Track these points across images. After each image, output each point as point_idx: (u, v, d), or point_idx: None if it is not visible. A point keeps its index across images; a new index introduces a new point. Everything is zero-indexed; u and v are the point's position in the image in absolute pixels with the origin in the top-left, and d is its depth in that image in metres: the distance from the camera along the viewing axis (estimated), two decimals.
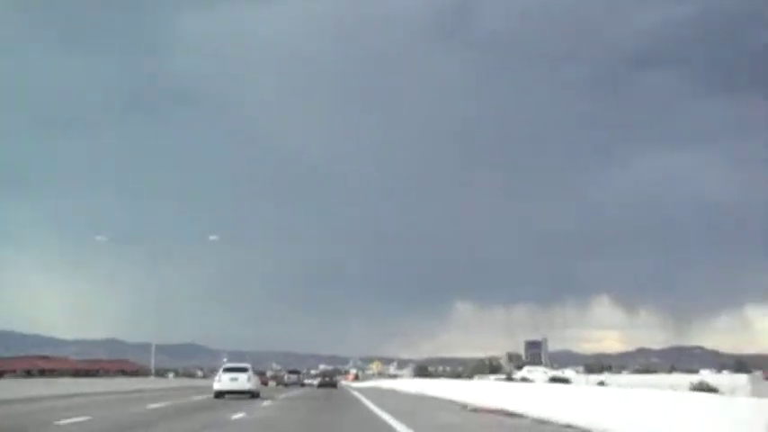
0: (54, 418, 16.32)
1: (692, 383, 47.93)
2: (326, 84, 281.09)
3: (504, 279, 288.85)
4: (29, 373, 74.46)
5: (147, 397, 30.30)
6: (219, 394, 28.67)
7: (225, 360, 64.23)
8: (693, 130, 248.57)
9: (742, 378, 58.90)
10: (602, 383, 56.85)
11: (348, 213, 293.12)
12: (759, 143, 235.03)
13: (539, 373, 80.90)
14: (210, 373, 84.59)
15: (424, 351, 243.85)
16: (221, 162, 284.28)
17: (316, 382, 64.85)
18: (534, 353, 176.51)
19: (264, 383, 54.01)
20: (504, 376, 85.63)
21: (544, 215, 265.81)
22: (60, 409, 20.48)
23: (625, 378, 76.06)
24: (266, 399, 29.09)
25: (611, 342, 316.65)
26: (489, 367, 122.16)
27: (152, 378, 63.36)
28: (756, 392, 43.31)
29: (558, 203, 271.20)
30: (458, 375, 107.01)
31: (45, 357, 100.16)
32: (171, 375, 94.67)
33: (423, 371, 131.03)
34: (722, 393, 31.45)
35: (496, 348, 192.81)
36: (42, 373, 76.60)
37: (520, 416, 16.96)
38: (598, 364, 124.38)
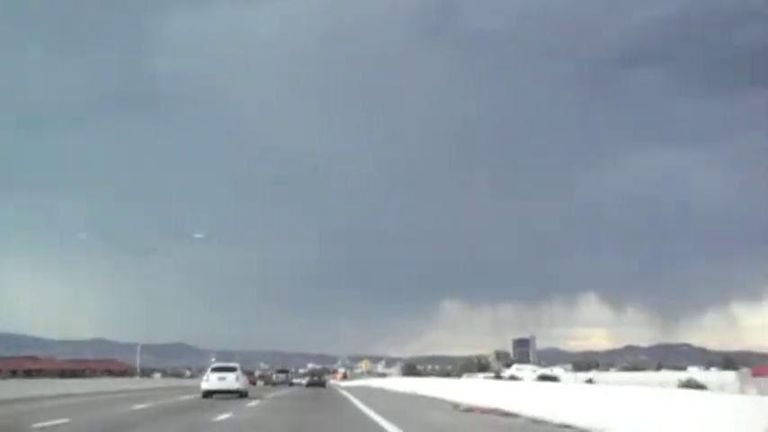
0: (33, 420, 15.81)
1: (680, 381, 48.20)
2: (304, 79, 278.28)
3: (492, 278, 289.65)
4: (14, 374, 73.65)
5: (133, 397, 29.74)
6: (208, 394, 28.54)
7: (213, 360, 63.80)
8: (680, 130, 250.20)
9: (730, 375, 59.32)
10: (590, 381, 57.00)
11: (337, 214, 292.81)
12: (745, 143, 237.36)
13: (527, 372, 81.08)
14: (199, 372, 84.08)
15: (413, 350, 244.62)
16: (210, 161, 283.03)
17: (304, 381, 64.63)
18: (522, 351, 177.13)
19: (253, 383, 53.66)
20: (492, 374, 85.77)
21: (532, 214, 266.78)
22: (40, 411, 19.92)
23: (613, 376, 76.29)
24: (254, 398, 28.74)
25: (598, 340, 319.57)
26: (478, 365, 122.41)
27: (137, 378, 62.68)
28: (745, 389, 43.53)
29: (546, 203, 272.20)
30: (446, 374, 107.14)
31: (31, 358, 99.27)
32: (158, 375, 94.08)
33: (411, 369, 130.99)
34: (711, 390, 31.45)
35: (485, 347, 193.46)
36: (28, 373, 75.82)
37: (514, 415, 16.59)
38: (586, 362, 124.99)
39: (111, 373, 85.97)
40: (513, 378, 65.40)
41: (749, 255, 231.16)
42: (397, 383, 51.88)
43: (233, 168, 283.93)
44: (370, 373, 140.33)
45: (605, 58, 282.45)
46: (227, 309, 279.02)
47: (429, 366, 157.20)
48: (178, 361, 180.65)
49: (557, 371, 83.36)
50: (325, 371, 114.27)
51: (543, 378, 62.27)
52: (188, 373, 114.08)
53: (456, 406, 22.20)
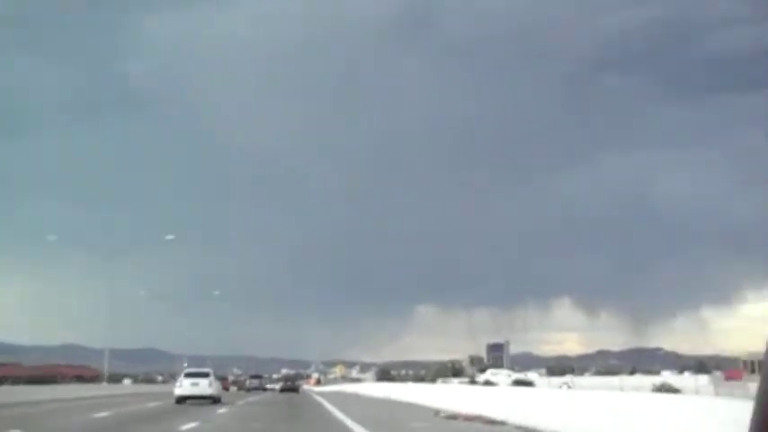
0: None
1: (654, 385, 48.08)
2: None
3: (466, 282, 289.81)
4: None
5: (98, 404, 28.46)
6: (181, 399, 28.38)
7: (185, 365, 62.62)
8: (654, 134, 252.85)
9: (703, 379, 59.64)
10: (567, 386, 56.77)
11: (313, 216, 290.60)
12: (717, 147, 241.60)
13: (502, 377, 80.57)
14: (171, 378, 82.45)
15: (387, 354, 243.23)
16: (177, 163, 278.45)
17: (278, 386, 63.81)
18: (496, 356, 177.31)
19: (226, 388, 52.75)
20: (467, 379, 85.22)
21: (506, 217, 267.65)
22: None
23: (587, 380, 76.31)
24: (225, 405, 27.81)
25: (571, 344, 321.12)
26: (452, 370, 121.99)
27: (104, 384, 61.02)
28: (719, 393, 43.66)
29: (519, 205, 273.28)
30: (420, 379, 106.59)
31: None
32: (128, 381, 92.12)
33: (385, 374, 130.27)
34: (685, 394, 31.29)
35: (458, 351, 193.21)
36: None
37: (500, 423, 15.79)
38: (559, 367, 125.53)
39: (81, 379, 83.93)
40: (488, 383, 64.81)
41: (719, 259, 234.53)
42: (372, 389, 51.14)
43: (203, 170, 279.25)
44: (345, 378, 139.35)
45: (583, 61, 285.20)
46: (200, 313, 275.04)
47: (403, 371, 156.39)
48: (150, 366, 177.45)
49: (531, 375, 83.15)
50: (299, 376, 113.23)
51: (518, 383, 61.79)
52: (160, 378, 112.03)
53: (437, 412, 21.37)
